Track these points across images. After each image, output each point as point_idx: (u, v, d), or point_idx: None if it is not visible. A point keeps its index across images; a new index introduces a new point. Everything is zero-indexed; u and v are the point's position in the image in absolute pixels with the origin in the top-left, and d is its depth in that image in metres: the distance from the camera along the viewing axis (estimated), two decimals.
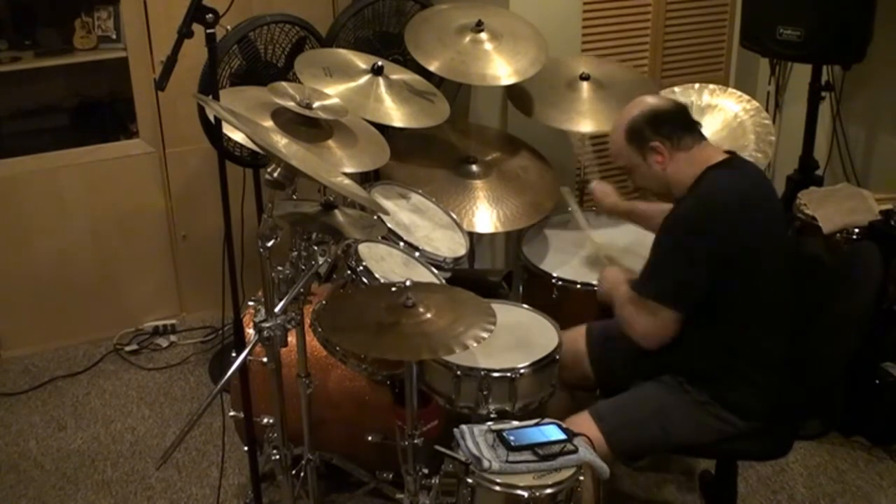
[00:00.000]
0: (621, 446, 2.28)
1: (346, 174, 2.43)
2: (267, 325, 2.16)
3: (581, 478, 2.03)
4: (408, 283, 2.10)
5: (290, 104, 2.54)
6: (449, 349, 1.97)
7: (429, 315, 2.06)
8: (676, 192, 2.33)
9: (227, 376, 2.09)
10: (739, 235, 2.20)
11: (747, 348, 2.27)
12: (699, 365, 2.30)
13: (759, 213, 2.26)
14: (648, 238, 3.04)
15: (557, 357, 2.41)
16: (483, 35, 3.11)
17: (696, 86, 3.21)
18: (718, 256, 2.19)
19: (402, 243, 2.67)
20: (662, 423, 2.32)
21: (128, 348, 3.73)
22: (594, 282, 2.78)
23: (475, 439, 2.07)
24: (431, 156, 3.17)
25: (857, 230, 3.06)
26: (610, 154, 2.46)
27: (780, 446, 2.42)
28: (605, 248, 2.96)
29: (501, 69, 3.05)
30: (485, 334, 2.03)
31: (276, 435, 2.43)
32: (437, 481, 2.27)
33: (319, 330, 2.40)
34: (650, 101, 2.39)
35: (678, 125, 2.33)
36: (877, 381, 3.02)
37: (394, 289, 2.16)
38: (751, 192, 2.28)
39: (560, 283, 2.85)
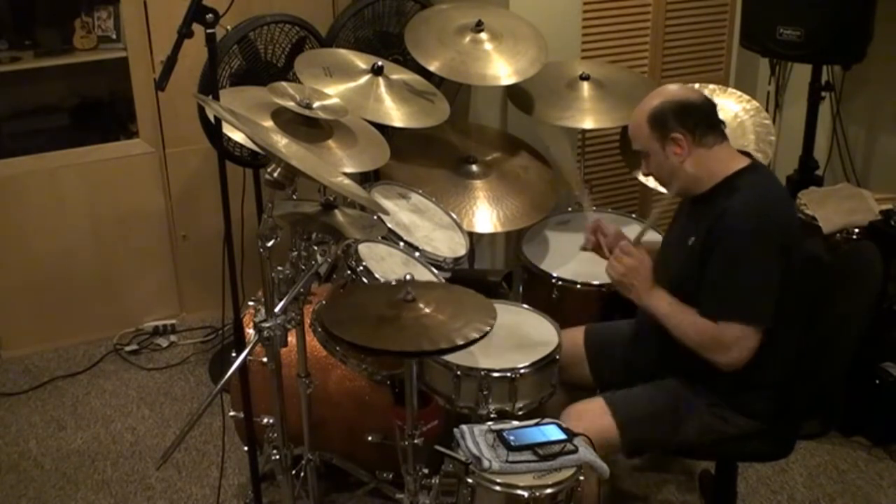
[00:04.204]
0: (632, 438, 2.27)
1: (346, 174, 2.43)
2: (267, 325, 2.16)
3: (581, 478, 2.03)
4: (408, 277, 2.10)
5: (290, 104, 2.54)
6: (450, 341, 1.96)
7: (428, 309, 2.05)
8: (689, 187, 2.30)
9: (227, 376, 2.09)
10: (795, 244, 2.20)
11: (765, 352, 2.24)
12: (709, 369, 2.25)
13: (795, 220, 2.27)
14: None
15: (557, 357, 2.41)
16: (483, 35, 3.11)
17: (696, 86, 3.21)
18: (782, 263, 2.17)
19: (402, 243, 2.67)
20: (674, 419, 2.31)
21: (128, 348, 3.73)
22: (595, 282, 2.79)
23: (475, 439, 2.07)
24: (431, 156, 3.17)
25: (857, 230, 3.06)
26: (630, 135, 2.38)
27: (782, 447, 2.41)
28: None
29: (501, 69, 3.05)
30: (486, 328, 2.02)
31: (276, 435, 2.43)
32: (437, 481, 2.27)
33: (319, 330, 2.41)
34: (680, 90, 2.32)
35: (704, 121, 2.26)
36: (877, 381, 3.02)
37: (394, 283, 2.15)
38: (787, 200, 2.27)
39: (560, 283, 2.85)
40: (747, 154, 2.33)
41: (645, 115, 2.29)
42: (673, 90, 2.32)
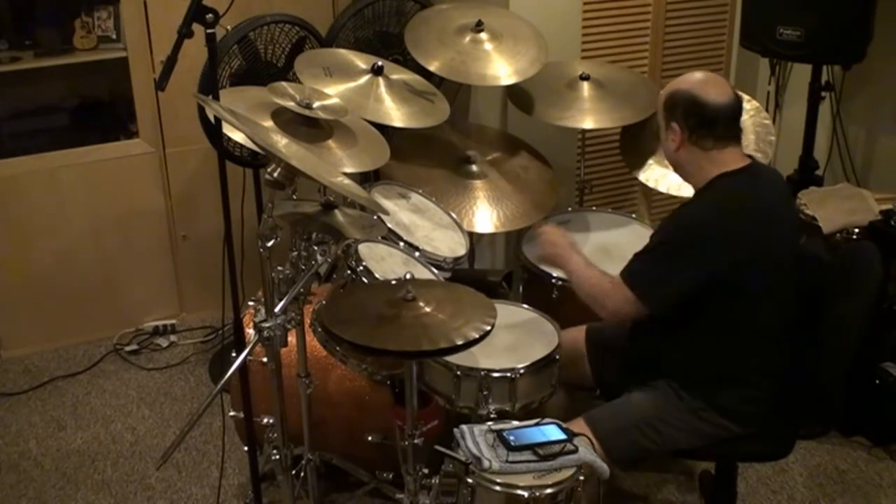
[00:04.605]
0: (616, 452, 2.28)
1: (346, 174, 2.43)
2: (267, 325, 2.16)
3: (581, 478, 2.03)
4: (408, 275, 2.10)
5: (290, 104, 2.54)
6: (449, 341, 1.96)
7: (429, 308, 2.05)
8: (682, 174, 2.36)
9: (227, 376, 2.09)
10: (748, 249, 2.19)
11: (745, 356, 2.27)
12: (696, 371, 2.30)
13: (772, 226, 2.24)
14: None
15: (557, 357, 2.41)
16: (483, 35, 3.11)
17: None
18: (721, 268, 2.18)
19: (402, 243, 2.67)
20: (656, 429, 2.31)
21: (128, 348, 3.73)
22: None
23: (475, 439, 2.07)
24: (431, 156, 3.17)
25: (857, 230, 3.06)
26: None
27: (781, 447, 2.42)
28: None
29: (501, 69, 3.05)
30: (486, 327, 2.03)
31: (276, 435, 2.43)
32: (437, 481, 2.27)
33: (319, 330, 2.41)
34: (706, 85, 2.26)
35: (707, 125, 2.24)
36: (877, 381, 3.02)
37: (394, 282, 2.15)
38: (765, 205, 2.25)
39: (560, 283, 2.84)
40: (750, 157, 2.33)
41: (669, 91, 2.32)
42: (700, 82, 2.28)
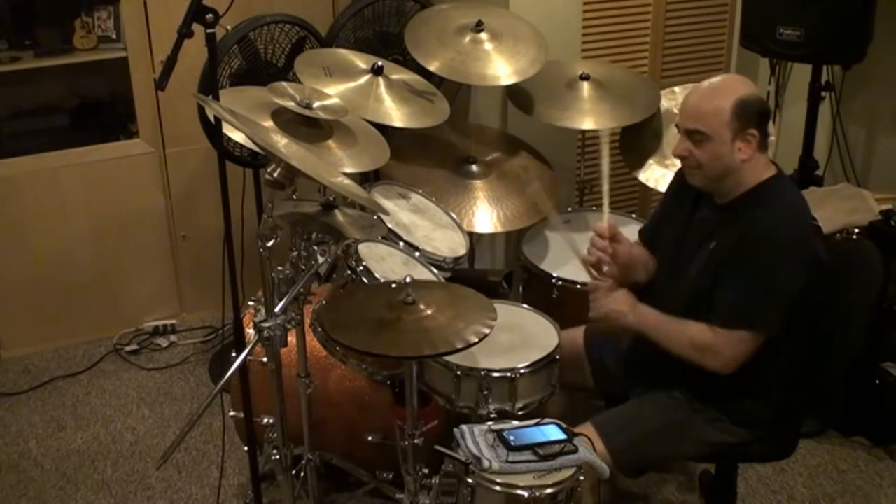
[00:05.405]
0: (625, 462, 2.24)
1: (346, 174, 2.43)
2: (267, 325, 2.15)
3: (581, 478, 2.03)
4: (408, 279, 2.10)
5: (290, 104, 2.54)
6: (450, 345, 1.97)
7: (429, 312, 2.06)
8: (729, 187, 2.22)
9: (227, 376, 2.09)
10: (818, 253, 2.19)
11: (769, 361, 2.23)
12: (714, 380, 2.23)
13: (818, 230, 2.25)
14: None
15: (557, 357, 2.41)
16: (483, 35, 3.11)
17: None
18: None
19: (402, 243, 2.67)
20: (670, 441, 2.29)
21: (128, 348, 3.73)
22: None
23: (475, 439, 2.07)
24: (431, 156, 3.17)
25: (857, 230, 3.06)
26: (693, 111, 2.18)
27: (785, 448, 2.41)
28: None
29: (501, 69, 3.05)
30: (486, 330, 2.02)
31: (276, 435, 2.43)
32: (437, 481, 2.27)
33: (319, 329, 2.41)
34: (754, 89, 2.20)
35: (767, 129, 2.20)
36: (877, 381, 3.02)
37: (394, 285, 2.16)
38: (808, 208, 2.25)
39: (560, 283, 2.85)
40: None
41: (732, 100, 2.13)
42: (750, 85, 2.19)
